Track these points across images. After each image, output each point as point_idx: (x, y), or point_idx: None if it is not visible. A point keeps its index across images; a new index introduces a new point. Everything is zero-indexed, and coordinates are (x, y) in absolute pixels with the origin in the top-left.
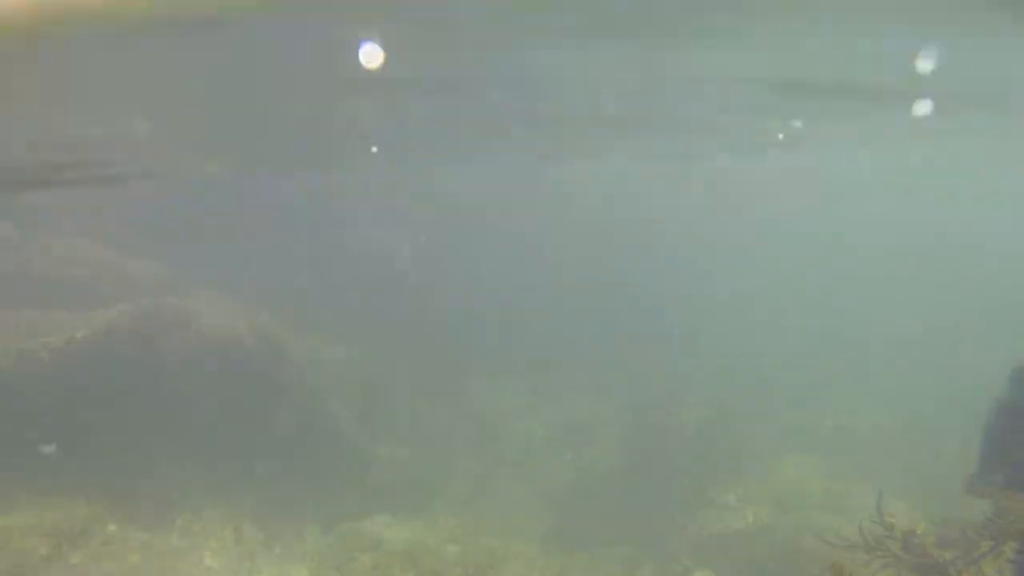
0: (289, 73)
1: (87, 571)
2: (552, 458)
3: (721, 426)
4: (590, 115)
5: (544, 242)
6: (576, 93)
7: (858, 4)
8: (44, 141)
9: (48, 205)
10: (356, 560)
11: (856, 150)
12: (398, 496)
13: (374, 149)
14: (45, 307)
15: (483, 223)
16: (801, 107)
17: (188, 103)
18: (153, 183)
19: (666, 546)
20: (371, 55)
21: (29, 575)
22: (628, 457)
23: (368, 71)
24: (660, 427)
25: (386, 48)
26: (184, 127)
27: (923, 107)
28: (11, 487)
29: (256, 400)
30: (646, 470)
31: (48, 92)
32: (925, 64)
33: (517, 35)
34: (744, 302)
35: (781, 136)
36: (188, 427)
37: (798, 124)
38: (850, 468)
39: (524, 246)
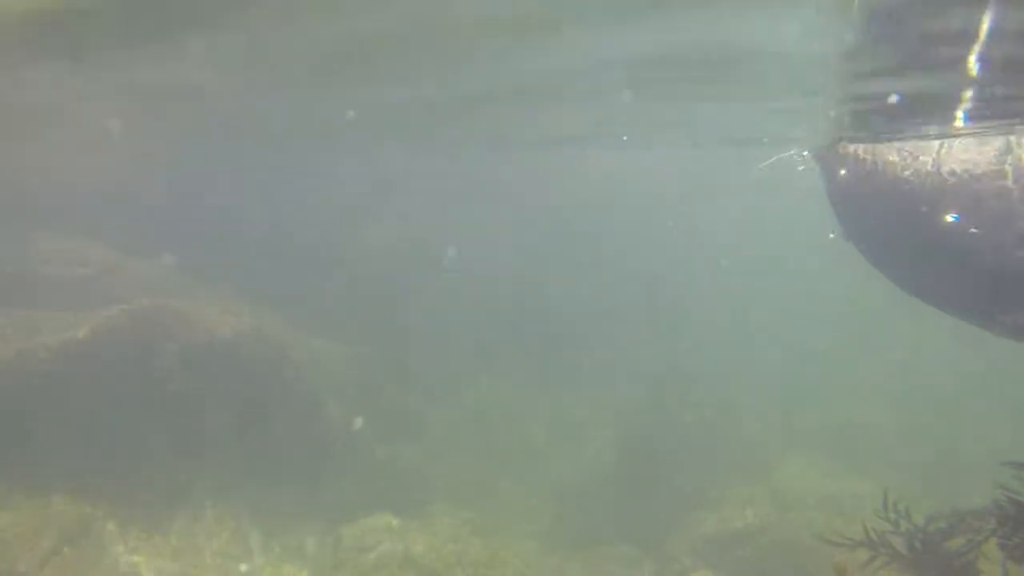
0: None
1: (87, 571)
2: (552, 458)
3: (721, 426)
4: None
5: (542, 240)
6: None
7: None
8: None
9: (49, 204)
10: (356, 560)
11: None
12: (398, 496)
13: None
14: (46, 307)
15: (481, 220)
16: None
17: None
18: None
19: (666, 546)
20: None
21: (29, 575)
22: (628, 456)
23: None
24: (660, 427)
25: None
26: None
27: None
28: (10, 487)
29: (256, 400)
30: (646, 470)
31: None
32: None
33: None
34: (743, 302)
35: None
36: (188, 427)
37: None
38: (850, 468)
39: (523, 244)
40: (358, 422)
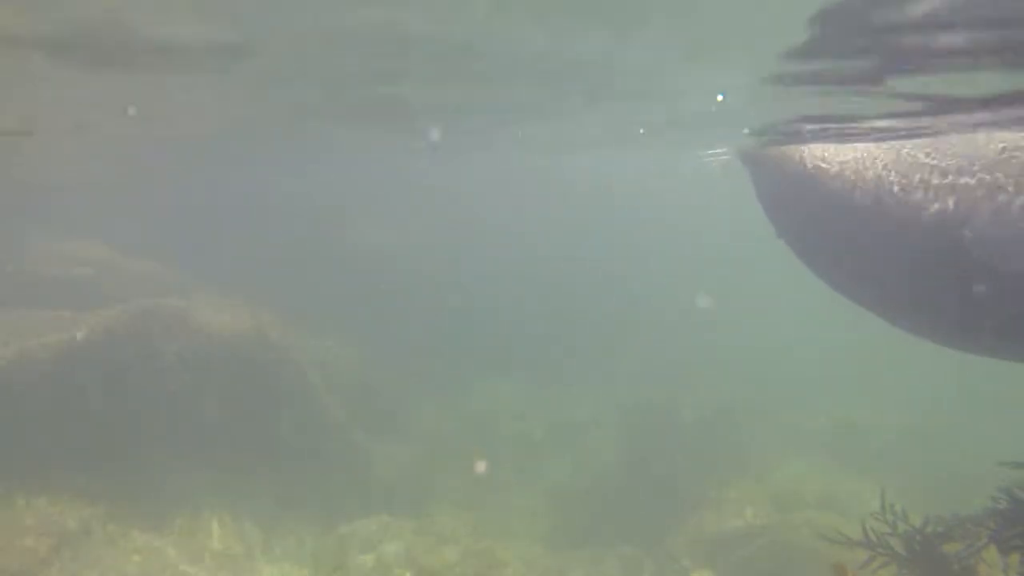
0: None
1: (87, 571)
2: (552, 458)
3: (720, 426)
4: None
5: (542, 240)
6: None
7: None
8: None
9: (51, 204)
10: (356, 560)
11: None
12: (398, 496)
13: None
14: (46, 307)
15: (480, 220)
16: None
17: None
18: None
19: (666, 546)
20: None
21: (29, 575)
22: (628, 457)
23: None
24: (660, 427)
25: None
26: None
27: None
28: (11, 487)
29: (256, 400)
30: (646, 470)
31: None
32: None
33: None
34: (743, 302)
35: None
36: (188, 427)
37: None
38: (849, 468)
39: (522, 244)
40: (481, 466)
